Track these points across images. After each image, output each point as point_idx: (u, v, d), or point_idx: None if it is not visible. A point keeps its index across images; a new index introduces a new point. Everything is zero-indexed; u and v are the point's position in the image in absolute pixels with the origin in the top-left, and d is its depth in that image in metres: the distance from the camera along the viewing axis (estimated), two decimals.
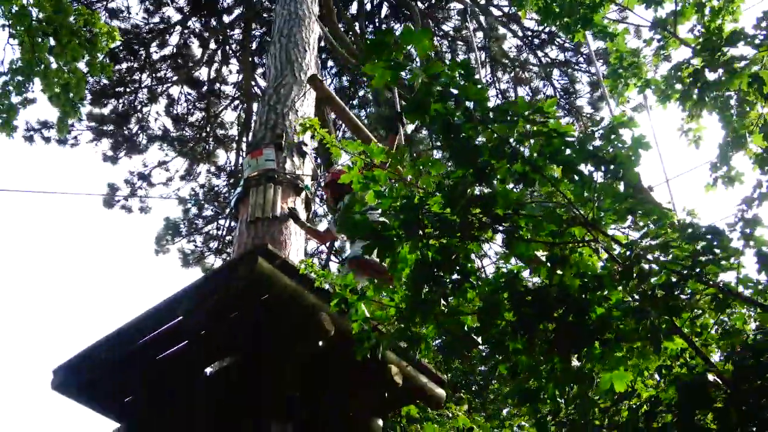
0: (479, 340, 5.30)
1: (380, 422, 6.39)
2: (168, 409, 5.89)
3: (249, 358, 5.62)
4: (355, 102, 18.10)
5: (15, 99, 9.63)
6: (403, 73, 3.32)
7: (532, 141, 3.41)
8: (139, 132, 17.67)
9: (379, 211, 3.71)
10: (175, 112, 17.99)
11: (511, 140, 3.38)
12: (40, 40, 9.10)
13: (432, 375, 6.36)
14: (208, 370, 6.12)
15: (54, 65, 9.35)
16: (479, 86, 3.32)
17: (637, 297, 3.24)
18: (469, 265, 3.49)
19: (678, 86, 5.79)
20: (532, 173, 3.37)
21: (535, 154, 3.40)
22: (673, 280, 3.15)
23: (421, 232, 3.49)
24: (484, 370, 11.09)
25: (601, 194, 3.38)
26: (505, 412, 9.62)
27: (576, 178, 3.36)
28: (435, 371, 6.48)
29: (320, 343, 5.41)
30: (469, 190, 3.43)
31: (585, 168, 3.39)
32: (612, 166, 3.33)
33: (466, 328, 3.71)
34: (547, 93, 17.13)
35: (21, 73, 9.51)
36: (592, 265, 3.43)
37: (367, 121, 16.82)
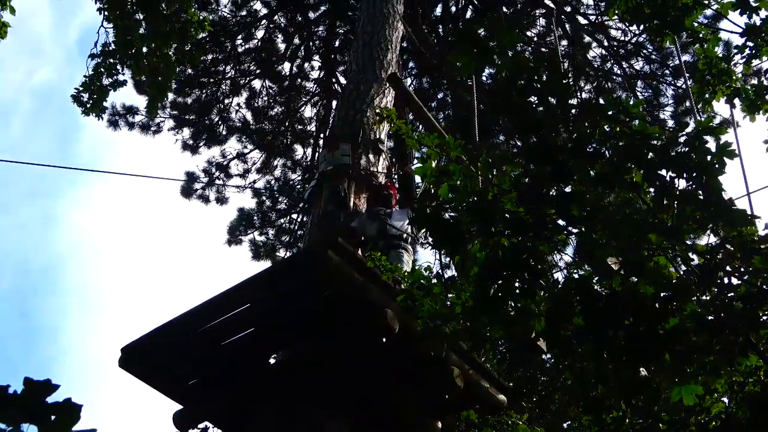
0: (544, 348, 5.22)
1: (439, 424, 6.33)
2: (230, 395, 5.95)
3: (313, 350, 5.63)
4: (433, 104, 18.01)
5: (106, 81, 9.91)
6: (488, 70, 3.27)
7: (614, 142, 3.33)
8: (219, 123, 17.91)
9: None
10: (255, 104, 18.15)
11: (593, 140, 3.30)
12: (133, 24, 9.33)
13: (494, 380, 6.27)
14: (272, 359, 6.16)
15: (145, 50, 9.57)
16: (563, 82, 3.24)
17: (713, 309, 3.12)
18: (540, 266, 3.41)
19: None
20: (612, 175, 3.27)
21: (616, 157, 3.31)
22: (753, 293, 3.02)
23: (492, 229, 3.42)
24: (547, 381, 10.91)
25: (682, 201, 3.26)
26: (565, 425, 9.44)
27: (657, 183, 3.26)
28: (497, 377, 6.39)
29: (384, 339, 5.38)
30: (545, 190, 3.35)
31: (666, 173, 3.29)
32: (695, 174, 3.22)
33: (533, 332, 3.63)
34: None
35: (113, 56, 9.78)
36: (668, 274, 3.32)
37: (445, 123, 16.75)
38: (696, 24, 5.74)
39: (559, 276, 4.33)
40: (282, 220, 18.05)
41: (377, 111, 4.90)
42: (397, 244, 6.95)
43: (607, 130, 3.19)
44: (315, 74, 18.90)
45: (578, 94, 17.40)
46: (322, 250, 5.20)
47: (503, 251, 3.44)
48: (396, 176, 10.70)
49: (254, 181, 18.13)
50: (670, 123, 16.29)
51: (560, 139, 3.25)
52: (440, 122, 16.40)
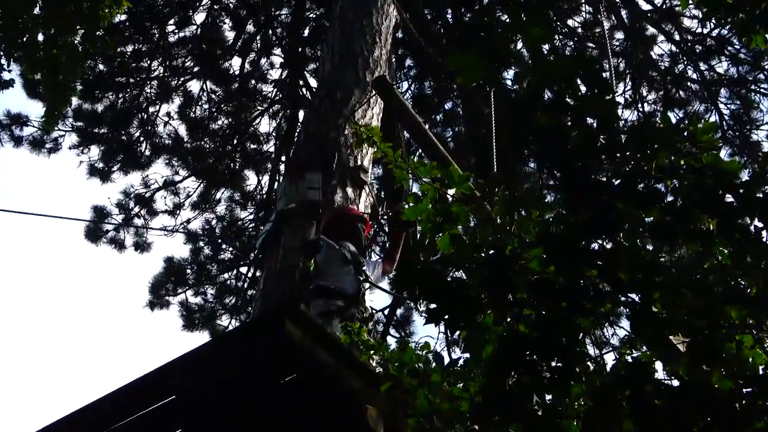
0: None
1: None
2: None
3: None
4: (438, 117, 18.08)
5: None
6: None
7: (676, 181, 3.38)
8: (141, 139, 17.88)
9: None
10: (192, 114, 18.13)
11: (649, 178, 3.35)
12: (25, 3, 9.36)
13: None
14: None
15: (41, 37, 9.60)
16: (609, 97, 3.29)
17: None
18: (577, 348, 3.43)
19: None
20: (675, 225, 3.32)
21: (680, 200, 3.36)
22: None
23: (511, 296, 3.45)
24: None
25: None
26: None
27: (737, 236, 3.30)
28: None
29: None
30: (584, 243, 3.39)
31: (751, 223, 3.33)
32: None
33: None
34: (709, 121, 16.74)
35: None
36: (752, 362, 3.36)
37: (453, 144, 16.81)
38: None
39: (609, 358, 4.37)
40: (226, 275, 17.95)
41: (359, 128, 4.91)
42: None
43: (669, 163, 3.24)
44: (275, 74, 18.93)
45: (639, 105, 17.52)
46: (278, 321, 5.20)
47: (526, 327, 3.47)
48: (385, 217, 10.74)
49: (188, 221, 18.06)
50: None
51: (604, 175, 3.29)
52: (448, 143, 16.48)
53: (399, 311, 16.13)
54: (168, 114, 18.08)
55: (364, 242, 7.72)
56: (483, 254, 3.55)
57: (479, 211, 3.86)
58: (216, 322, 17.17)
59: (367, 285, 7.09)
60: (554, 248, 3.40)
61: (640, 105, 17.46)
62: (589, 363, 3.62)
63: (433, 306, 3.56)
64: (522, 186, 14.77)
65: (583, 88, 3.36)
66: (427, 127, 11.64)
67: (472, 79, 3.21)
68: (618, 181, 3.28)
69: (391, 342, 15.28)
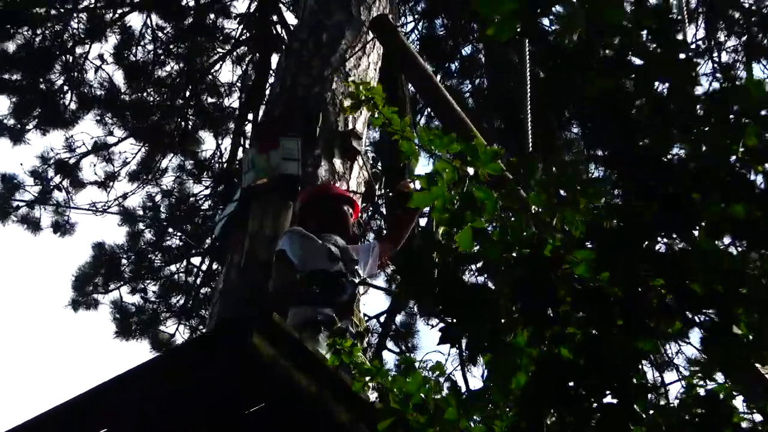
0: None
1: None
2: None
3: None
4: (454, 66, 18.05)
5: None
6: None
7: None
8: (65, 88, 17.81)
9: None
10: (132, 58, 18.09)
11: (732, 160, 3.36)
12: None
13: None
14: None
15: None
16: (683, 56, 3.29)
17: None
18: (635, 378, 3.44)
19: None
20: (765, 222, 3.33)
21: None
22: None
23: (550, 310, 3.46)
24: None
25: None
26: None
27: None
28: None
29: None
30: (646, 243, 3.40)
31: None
32: None
33: None
34: None
35: None
36: None
37: (473, 100, 16.79)
38: None
39: (674, 388, 4.39)
40: (173, 268, 17.93)
41: (355, 86, 4.80)
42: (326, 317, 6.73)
43: (760, 141, 3.25)
44: (241, 6, 18.94)
45: (715, 53, 17.51)
46: (242, 333, 5.20)
47: (570, 349, 3.48)
48: (383, 197, 10.75)
49: (124, 196, 18.01)
50: None
51: (674, 156, 3.29)
52: (465, 99, 16.48)
53: (399, 317, 16.16)
54: (100, 56, 18.04)
55: (352, 230, 7.67)
56: (515, 254, 3.55)
57: (511, 198, 3.86)
58: (159, 329, 17.13)
59: (362, 289, 7.08)
60: (607, 248, 3.41)
61: (716, 54, 17.47)
62: (650, 396, 3.63)
63: (449, 320, 3.57)
64: (563, 158, 14.74)
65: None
66: (438, 78, 11.64)
67: (508, 31, 3.20)
68: (693, 166, 3.29)
69: (389, 359, 15.30)
